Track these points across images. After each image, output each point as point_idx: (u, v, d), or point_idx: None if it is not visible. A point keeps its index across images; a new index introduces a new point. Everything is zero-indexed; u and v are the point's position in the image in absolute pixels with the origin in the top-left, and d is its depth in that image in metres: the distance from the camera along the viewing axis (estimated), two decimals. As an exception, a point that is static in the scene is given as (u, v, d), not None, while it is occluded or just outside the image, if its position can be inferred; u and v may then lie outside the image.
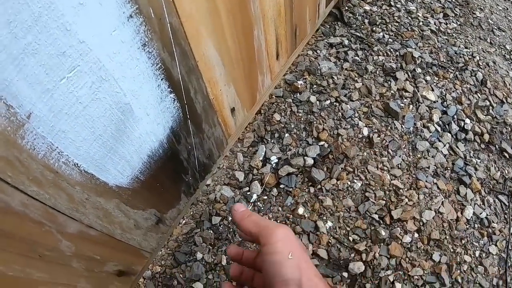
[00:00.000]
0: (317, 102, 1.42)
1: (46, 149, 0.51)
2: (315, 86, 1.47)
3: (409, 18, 2.02)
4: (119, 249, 0.78)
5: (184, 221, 1.20)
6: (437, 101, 1.63)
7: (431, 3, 2.23)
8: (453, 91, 1.72)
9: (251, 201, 1.18)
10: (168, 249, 1.15)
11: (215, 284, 1.07)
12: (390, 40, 1.80)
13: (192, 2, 0.70)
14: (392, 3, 2.07)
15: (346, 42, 1.71)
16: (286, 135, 1.32)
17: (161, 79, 0.69)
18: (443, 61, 1.83)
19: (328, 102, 1.43)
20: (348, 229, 1.19)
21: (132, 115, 0.65)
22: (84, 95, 0.54)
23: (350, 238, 1.19)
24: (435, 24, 2.06)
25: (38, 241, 0.57)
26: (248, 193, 1.20)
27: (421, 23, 2.02)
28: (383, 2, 2.07)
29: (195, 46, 0.75)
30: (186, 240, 1.12)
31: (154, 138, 0.73)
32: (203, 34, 0.77)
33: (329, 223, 1.19)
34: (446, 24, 2.11)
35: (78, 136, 0.56)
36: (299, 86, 1.42)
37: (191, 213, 1.21)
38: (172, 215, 0.91)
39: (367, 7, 1.99)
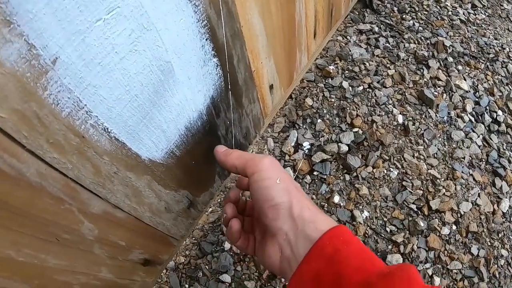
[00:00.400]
0: (350, 88, 1.34)
1: (72, 106, 0.42)
2: (347, 71, 1.39)
3: (438, 7, 1.93)
4: (147, 234, 0.70)
5: (210, 209, 1.13)
6: (469, 91, 1.55)
7: (459, -7, 2.14)
8: (485, 82, 1.63)
9: (284, 188, 1.11)
10: (193, 238, 1.07)
11: (243, 276, 1.00)
12: (420, 28, 1.72)
13: None
14: (420, -9, 1.98)
15: (376, 29, 1.63)
16: (319, 120, 1.24)
17: (206, 39, 0.61)
18: (474, 51, 1.74)
19: (361, 88, 1.35)
20: (385, 219, 1.12)
21: (173, 77, 0.57)
22: (121, 43, 0.45)
23: (388, 229, 1.11)
24: (463, 14, 1.97)
25: (56, 221, 0.47)
26: (281, 180, 1.12)
27: (450, 13, 1.93)
28: (411, -9, 1.98)
29: (240, 8, 0.67)
30: (213, 229, 1.05)
31: (194, 107, 0.65)
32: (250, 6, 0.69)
33: (366, 213, 1.11)
34: (475, 14, 2.02)
35: (111, 94, 0.47)
36: (331, 71, 1.34)
37: (218, 200, 1.14)
38: (205, 199, 0.83)
39: (396, -5, 1.91)
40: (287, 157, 1.16)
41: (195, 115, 0.65)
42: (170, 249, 0.81)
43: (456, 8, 2.00)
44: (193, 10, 0.55)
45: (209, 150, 0.75)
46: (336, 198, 1.10)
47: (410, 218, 1.13)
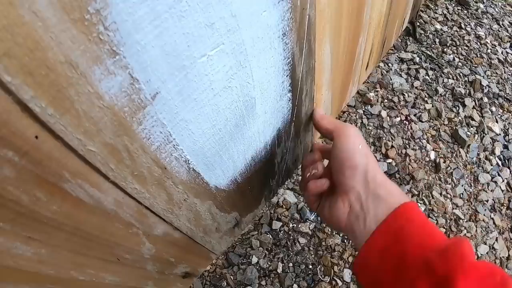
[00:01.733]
0: (388, 118, 1.29)
1: (162, 140, 0.39)
2: (386, 100, 1.34)
3: (478, 43, 1.85)
4: (194, 251, 0.68)
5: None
6: (500, 134, 1.48)
7: (499, 31, 2.05)
8: (516, 126, 1.57)
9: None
10: (226, 248, 1.05)
11: (267, 291, 0.97)
12: (459, 64, 1.65)
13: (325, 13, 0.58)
14: (463, 25, 1.90)
15: (417, 59, 1.56)
16: (355, 146, 1.20)
17: (286, 76, 0.57)
18: (508, 93, 1.67)
19: (398, 119, 1.30)
20: (408, 254, 1.08)
21: (253, 111, 0.54)
22: (218, 80, 0.41)
23: (408, 264, 1.07)
24: (502, 53, 1.89)
25: (121, 243, 0.46)
26: (312, 200, 1.09)
27: (489, 51, 1.85)
28: (453, 23, 1.90)
29: (318, 45, 0.63)
30: (242, 242, 1.02)
31: (263, 139, 0.62)
32: (326, 33, 0.65)
33: (390, 245, 1.07)
34: (512, 55, 1.93)
35: (199, 129, 0.44)
36: (371, 98, 1.29)
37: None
38: (249, 219, 0.81)
39: (438, 26, 1.83)
40: (320, 179, 1.12)
41: (261, 146, 0.62)
42: (207, 263, 0.79)
43: (496, 46, 1.92)
44: (283, 48, 0.51)
45: (264, 176, 0.72)
46: (364, 227, 1.07)
47: (431, 256, 1.09)
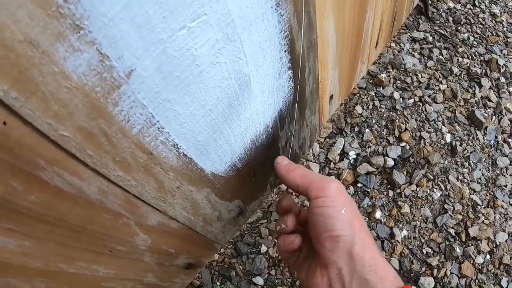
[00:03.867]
0: (401, 99, 1.23)
1: (144, 123, 0.35)
2: (398, 81, 1.27)
3: (493, 21, 1.75)
4: (195, 242, 0.64)
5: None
6: (518, 115, 1.41)
7: (515, 8, 1.95)
8: (535, 108, 1.48)
9: (324, 196, 1.02)
10: (232, 238, 1.01)
11: (277, 281, 0.93)
12: (475, 42, 1.57)
13: None
14: (477, 3, 1.81)
15: (430, 38, 1.49)
16: (367, 130, 1.14)
17: (285, 51, 0.52)
18: (527, 72, 1.58)
19: (411, 101, 1.24)
20: (423, 240, 1.03)
21: (248, 90, 0.49)
22: (203, 55, 0.36)
23: (424, 251, 1.02)
24: (519, 31, 1.79)
25: (112, 234, 0.42)
26: (322, 187, 1.04)
27: (505, 29, 1.75)
28: (467, 1, 1.80)
29: (319, 18, 0.58)
30: (251, 230, 0.98)
31: (262, 120, 0.57)
32: (328, 6, 0.59)
33: (405, 232, 1.02)
34: (530, 33, 1.84)
35: (186, 110, 0.39)
36: (383, 79, 1.23)
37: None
38: (254, 207, 0.76)
39: (451, 4, 1.74)
40: (332, 165, 1.07)
41: (261, 128, 0.57)
42: (212, 253, 0.75)
43: (511, 25, 1.82)
44: (278, 20, 0.46)
45: (267, 161, 0.67)
46: (378, 214, 1.02)
47: (447, 243, 1.04)
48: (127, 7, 0.27)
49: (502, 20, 1.81)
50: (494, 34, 1.69)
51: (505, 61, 1.57)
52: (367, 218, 1.02)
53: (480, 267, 1.06)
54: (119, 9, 0.26)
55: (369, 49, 0.94)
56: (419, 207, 1.05)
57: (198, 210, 0.56)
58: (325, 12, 0.59)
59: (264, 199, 0.78)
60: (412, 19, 1.55)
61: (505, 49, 1.64)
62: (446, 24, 1.62)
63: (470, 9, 1.77)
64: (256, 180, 0.68)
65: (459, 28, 1.61)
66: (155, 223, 0.48)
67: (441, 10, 1.68)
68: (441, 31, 1.55)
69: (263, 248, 0.96)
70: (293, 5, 0.48)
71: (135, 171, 0.38)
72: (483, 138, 1.26)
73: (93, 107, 0.29)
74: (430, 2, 1.68)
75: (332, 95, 0.83)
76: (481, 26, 1.70)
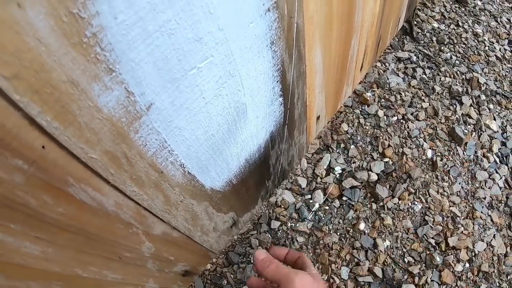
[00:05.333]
0: (385, 117, 1.32)
1: (158, 146, 0.43)
2: (383, 100, 1.37)
3: (476, 41, 1.87)
4: (193, 250, 0.72)
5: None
6: (498, 131, 1.51)
7: (497, 28, 2.07)
8: (514, 123, 1.59)
9: (312, 209, 1.10)
10: (224, 248, 1.08)
11: (267, 288, 1.00)
12: (457, 62, 1.67)
13: (316, 4, 0.61)
14: (460, 23, 1.93)
15: (414, 58, 1.59)
16: (352, 146, 1.23)
17: (277, 81, 0.61)
18: (506, 90, 1.69)
19: (395, 118, 1.33)
20: (405, 250, 1.11)
21: (245, 117, 0.57)
22: (209, 89, 0.45)
23: (406, 260, 1.10)
24: (500, 50, 1.91)
25: (122, 242, 0.50)
26: (310, 201, 1.12)
27: (487, 48, 1.87)
28: (451, 21, 1.92)
29: (308, 50, 0.67)
30: (242, 241, 1.05)
31: (256, 142, 0.65)
32: (316, 39, 0.68)
33: (387, 242, 1.10)
34: (511, 52, 1.95)
35: (192, 135, 0.48)
36: (368, 98, 1.32)
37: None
38: (246, 219, 0.84)
39: (435, 24, 1.86)
40: (318, 179, 1.15)
41: (255, 148, 0.65)
42: (207, 261, 0.83)
43: (493, 43, 1.94)
44: (272, 56, 0.55)
45: (259, 177, 0.75)
46: (362, 225, 1.10)
47: (428, 252, 1.12)
48: (151, 53, 0.35)
49: (485, 40, 1.93)
50: (476, 53, 1.81)
51: (486, 79, 1.68)
52: (351, 230, 1.10)
53: (460, 275, 1.14)
54: (144, 55, 0.34)
55: (354, 72, 1.03)
56: (401, 219, 1.14)
57: (197, 221, 0.63)
58: (313, 44, 0.68)
59: (255, 212, 0.86)
60: (397, 39, 1.65)
61: (486, 67, 1.75)
62: (430, 44, 1.73)
63: (454, 29, 1.89)
64: (249, 194, 0.76)
65: (442, 48, 1.72)
66: (160, 233, 0.56)
67: (426, 30, 1.80)
68: (425, 51, 1.66)
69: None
70: (285, 42, 0.57)
71: (147, 187, 0.45)
72: (463, 153, 1.36)
73: (118, 134, 0.36)
74: (415, 23, 1.79)
75: (319, 115, 0.91)
76: (464, 46, 1.81)
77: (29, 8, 0.24)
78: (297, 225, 1.08)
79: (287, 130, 0.74)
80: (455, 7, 2.07)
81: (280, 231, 1.08)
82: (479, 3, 2.18)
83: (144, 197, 0.46)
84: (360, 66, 1.06)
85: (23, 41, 0.25)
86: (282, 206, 1.10)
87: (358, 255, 1.06)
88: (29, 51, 0.26)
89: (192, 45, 0.38)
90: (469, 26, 1.96)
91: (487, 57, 1.81)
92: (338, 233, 1.09)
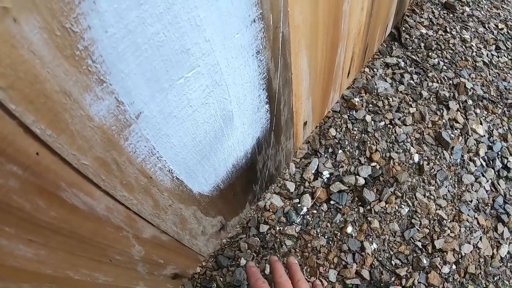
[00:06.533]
0: (372, 122, 1.36)
1: (147, 153, 0.46)
2: (371, 105, 1.41)
3: (463, 46, 1.93)
4: (182, 253, 0.74)
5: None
6: (484, 136, 1.56)
7: (485, 34, 2.13)
8: (500, 127, 1.64)
9: (300, 213, 1.13)
10: (213, 251, 1.10)
11: (256, 291, 1.03)
12: (444, 67, 1.72)
13: (301, 13, 0.65)
14: (448, 29, 1.98)
15: (402, 64, 1.64)
16: (340, 151, 1.26)
17: (263, 89, 0.64)
18: (493, 95, 1.75)
19: (382, 123, 1.37)
20: (392, 253, 1.14)
21: (231, 123, 0.60)
22: (196, 98, 0.48)
23: (393, 262, 1.13)
24: (487, 56, 1.97)
25: (112, 245, 0.52)
26: (298, 205, 1.15)
27: (474, 54, 1.92)
28: (439, 27, 1.98)
29: (294, 58, 0.70)
30: (231, 245, 1.08)
31: (242, 148, 0.68)
32: (302, 47, 0.71)
33: (375, 245, 1.13)
34: (498, 57, 2.01)
35: (180, 142, 0.51)
36: (356, 103, 1.36)
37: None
38: (234, 222, 0.87)
39: (424, 30, 1.91)
40: (306, 184, 1.19)
41: (241, 154, 0.68)
42: (196, 265, 0.85)
43: (481, 49, 1.99)
44: (257, 65, 0.58)
45: (247, 182, 0.78)
46: (349, 229, 1.13)
47: (415, 254, 1.16)
48: (140, 64, 0.38)
49: (472, 45, 1.99)
50: (463, 59, 1.86)
51: (473, 85, 1.73)
52: (339, 233, 1.13)
53: (446, 277, 1.18)
54: (134, 66, 0.37)
55: (341, 79, 1.07)
56: (388, 222, 1.17)
57: (186, 225, 0.66)
58: (299, 52, 0.71)
59: (244, 216, 0.89)
60: (385, 45, 1.70)
61: (473, 73, 1.80)
62: (418, 49, 1.78)
63: (442, 35, 1.94)
64: (237, 198, 0.79)
65: (430, 53, 1.77)
66: (149, 236, 0.58)
67: (414, 36, 1.85)
68: (413, 56, 1.71)
69: (242, 261, 1.05)
70: (271, 51, 0.60)
71: (137, 192, 0.48)
72: (450, 157, 1.40)
73: (108, 142, 0.39)
74: (403, 29, 1.85)
75: (306, 121, 0.94)
76: (451, 52, 1.86)
77: (24, 23, 0.27)
78: (286, 228, 1.11)
79: (274, 136, 0.77)
80: (444, 13, 2.13)
81: (268, 234, 1.10)
82: (467, 9, 2.24)
83: (134, 202, 0.49)
84: (347, 72, 1.10)
85: (19, 54, 0.28)
86: (271, 210, 1.13)
87: (346, 258, 1.09)
88: (24, 63, 0.28)
89: (180, 56, 0.41)
90: (457, 32, 2.02)
91: (474, 62, 1.87)
92: (326, 237, 1.12)
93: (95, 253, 0.50)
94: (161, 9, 0.36)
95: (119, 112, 0.38)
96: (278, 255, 1.08)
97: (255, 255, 1.08)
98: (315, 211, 1.15)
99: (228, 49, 0.50)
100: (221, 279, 1.03)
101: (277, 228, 1.11)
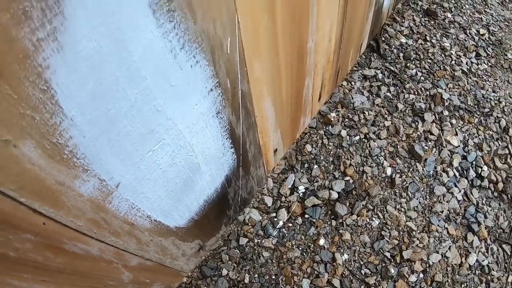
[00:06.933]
0: (347, 136, 1.50)
1: (128, 208, 0.61)
2: (346, 120, 1.55)
3: (442, 55, 2.07)
4: (166, 273, 0.89)
5: (211, 233, 1.31)
6: (459, 146, 1.70)
7: (465, 40, 2.26)
8: (476, 137, 1.78)
9: (277, 227, 1.28)
10: (196, 265, 1.25)
11: (236, 299, 1.19)
12: (422, 78, 1.87)
13: (260, 65, 0.78)
14: (428, 38, 2.12)
15: (380, 76, 1.78)
16: (315, 166, 1.41)
17: (226, 138, 0.78)
18: (470, 104, 1.89)
19: (357, 138, 1.51)
20: (362, 263, 1.30)
21: (199, 171, 0.75)
22: (164, 162, 0.63)
23: (362, 272, 1.29)
24: (467, 64, 2.10)
25: (106, 275, 0.68)
26: (275, 219, 1.30)
27: (453, 62, 2.06)
28: (419, 36, 2.11)
29: (256, 105, 0.84)
30: (213, 256, 1.23)
31: (212, 186, 0.83)
32: (264, 93, 0.85)
33: (345, 256, 1.29)
34: (478, 64, 2.14)
35: (154, 194, 0.65)
36: (332, 119, 1.50)
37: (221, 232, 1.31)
38: (212, 242, 1.02)
39: (403, 40, 2.05)
40: (283, 198, 1.33)
41: (212, 191, 0.83)
42: (180, 279, 1.00)
43: (460, 57, 2.12)
44: (219, 122, 0.72)
45: (220, 210, 0.93)
46: (322, 241, 1.28)
47: (383, 264, 1.31)
48: (114, 151, 0.52)
49: (451, 54, 2.12)
50: (442, 68, 2.00)
51: (450, 95, 1.87)
52: (312, 245, 1.28)
53: (413, 285, 1.34)
54: (109, 154, 0.51)
55: (311, 105, 1.21)
56: (359, 234, 1.33)
57: (166, 251, 0.81)
58: (261, 98, 0.85)
59: (220, 236, 1.03)
60: (364, 57, 1.84)
61: (451, 82, 1.94)
62: (397, 60, 1.92)
63: (421, 44, 2.08)
64: (211, 224, 0.93)
65: (408, 64, 1.91)
66: (136, 264, 0.73)
67: (393, 46, 1.99)
68: (391, 67, 1.85)
69: (224, 271, 1.21)
70: (231, 108, 0.74)
71: (122, 235, 0.63)
72: (423, 169, 1.55)
73: (96, 207, 0.54)
74: (382, 39, 1.98)
75: (276, 149, 1.09)
76: (430, 61, 2.00)
77: (22, 146, 0.41)
78: (263, 241, 1.26)
79: (243, 170, 0.91)
80: (425, 20, 2.26)
81: (247, 247, 1.26)
82: (449, 15, 2.37)
83: (121, 243, 0.63)
84: (317, 97, 1.23)
85: (22, 166, 0.42)
86: (250, 224, 1.28)
87: (318, 268, 1.25)
88: (27, 172, 0.42)
89: (146, 136, 0.56)
90: (437, 40, 2.15)
91: (453, 71, 2.00)
92: (300, 248, 1.27)
93: (93, 282, 0.65)
94: (126, 108, 0.50)
95: (102, 186, 0.53)
96: (257, 266, 1.24)
97: (235, 265, 1.23)
98: (290, 224, 1.30)
99: (189, 119, 0.64)
100: (205, 287, 1.18)
101: (256, 241, 1.26)
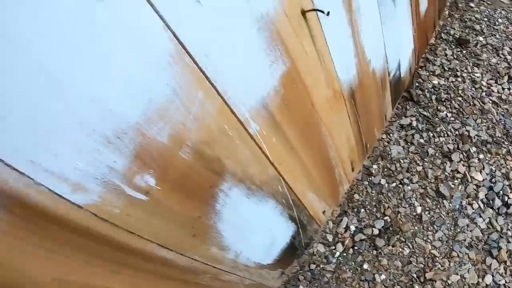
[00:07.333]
0: (386, 184, 1.73)
1: (246, 261, 0.97)
2: (385, 169, 1.77)
3: (472, 89, 2.10)
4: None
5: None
6: (485, 179, 1.78)
7: (498, 64, 2.19)
8: (503, 167, 1.87)
9: (335, 256, 1.60)
10: (282, 283, 1.62)
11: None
12: (452, 118, 1.98)
13: (301, 184, 1.07)
14: (459, 73, 2.11)
15: (415, 123, 1.94)
16: (362, 210, 1.69)
17: (287, 221, 1.11)
18: (498, 136, 1.96)
19: (394, 184, 1.74)
20: (395, 281, 1.59)
21: (276, 241, 1.10)
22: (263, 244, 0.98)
23: None
24: (498, 91, 2.08)
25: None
26: (334, 250, 1.63)
27: (484, 94, 2.09)
28: (450, 73, 2.15)
29: (302, 200, 1.15)
30: (294, 277, 1.61)
31: (284, 241, 1.22)
32: (306, 193, 1.15)
33: (383, 276, 1.59)
34: (509, 89, 2.08)
35: (257, 250, 1.01)
36: (373, 171, 1.73)
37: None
38: (289, 269, 1.39)
39: (435, 81, 2.12)
40: (339, 235, 1.65)
41: (284, 244, 1.31)
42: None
43: (491, 86, 2.09)
44: (285, 221, 1.05)
45: (291, 253, 1.27)
46: (366, 265, 1.60)
47: (411, 283, 1.57)
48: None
49: (482, 84, 2.11)
50: (471, 104, 2.04)
51: (478, 131, 1.92)
52: (359, 269, 1.58)
53: (435, 300, 1.57)
54: None
55: (346, 178, 1.46)
56: (393, 260, 1.60)
57: (263, 276, 1.18)
58: (305, 195, 1.16)
59: (292, 266, 1.39)
60: (401, 107, 1.96)
61: (479, 117, 1.98)
62: (429, 104, 2.03)
63: (452, 81, 2.10)
64: (286, 261, 1.33)
65: (439, 107, 2.00)
66: (248, 283, 1.12)
67: (426, 90, 2.07)
68: (424, 112, 1.98)
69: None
70: (287, 208, 1.05)
71: (242, 271, 1.01)
72: (449, 204, 1.72)
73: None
74: (416, 84, 2.05)
75: (324, 210, 1.38)
76: (460, 99, 2.06)
77: None
78: (326, 266, 1.61)
79: (301, 230, 1.28)
80: (457, 51, 2.23)
81: (316, 270, 1.61)
82: (481, 38, 2.28)
83: (241, 274, 1.01)
84: (351, 170, 1.47)
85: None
86: (317, 255, 1.63)
87: (364, 285, 1.55)
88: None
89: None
90: (468, 72, 2.16)
91: (482, 104, 2.04)
92: (351, 271, 1.60)
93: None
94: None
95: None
96: (322, 283, 1.57)
97: (308, 283, 1.60)
98: (344, 254, 1.63)
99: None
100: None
101: (321, 266, 1.62)
